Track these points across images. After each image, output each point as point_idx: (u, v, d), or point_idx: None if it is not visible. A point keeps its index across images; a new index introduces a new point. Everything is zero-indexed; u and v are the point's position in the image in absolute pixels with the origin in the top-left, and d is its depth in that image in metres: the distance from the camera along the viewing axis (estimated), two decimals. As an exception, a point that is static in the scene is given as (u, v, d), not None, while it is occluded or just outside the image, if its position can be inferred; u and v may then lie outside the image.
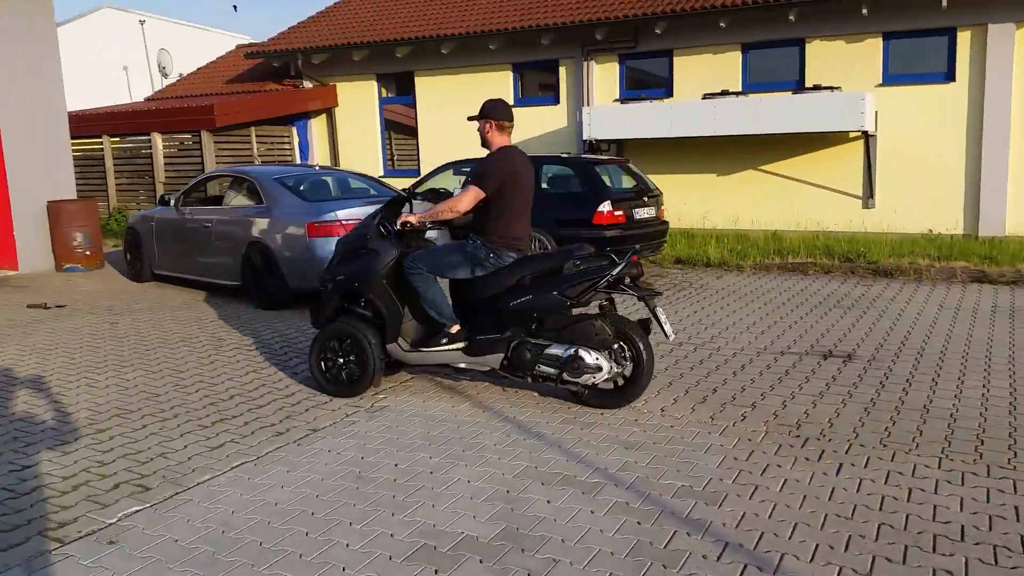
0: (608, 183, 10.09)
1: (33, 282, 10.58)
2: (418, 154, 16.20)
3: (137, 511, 3.70)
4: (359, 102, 16.70)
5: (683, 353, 6.30)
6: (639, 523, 3.48)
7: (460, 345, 5.12)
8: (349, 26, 16.86)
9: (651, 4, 13.46)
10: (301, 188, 8.90)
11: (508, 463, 4.15)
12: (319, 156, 17.29)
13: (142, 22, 25.19)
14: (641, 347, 4.88)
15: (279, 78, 17.63)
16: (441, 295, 5.17)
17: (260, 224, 8.38)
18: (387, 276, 5.20)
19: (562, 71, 14.72)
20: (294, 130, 17.08)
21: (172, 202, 9.77)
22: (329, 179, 9.69)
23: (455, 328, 5.13)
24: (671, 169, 13.63)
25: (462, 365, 5.20)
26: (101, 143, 16.90)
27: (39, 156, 11.49)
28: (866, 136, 12.10)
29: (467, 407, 5.07)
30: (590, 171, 9.92)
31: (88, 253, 11.48)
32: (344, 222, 8.02)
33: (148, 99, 20.20)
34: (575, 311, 5.08)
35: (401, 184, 11.80)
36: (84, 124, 16.92)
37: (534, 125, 14.81)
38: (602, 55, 14.25)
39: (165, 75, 21.95)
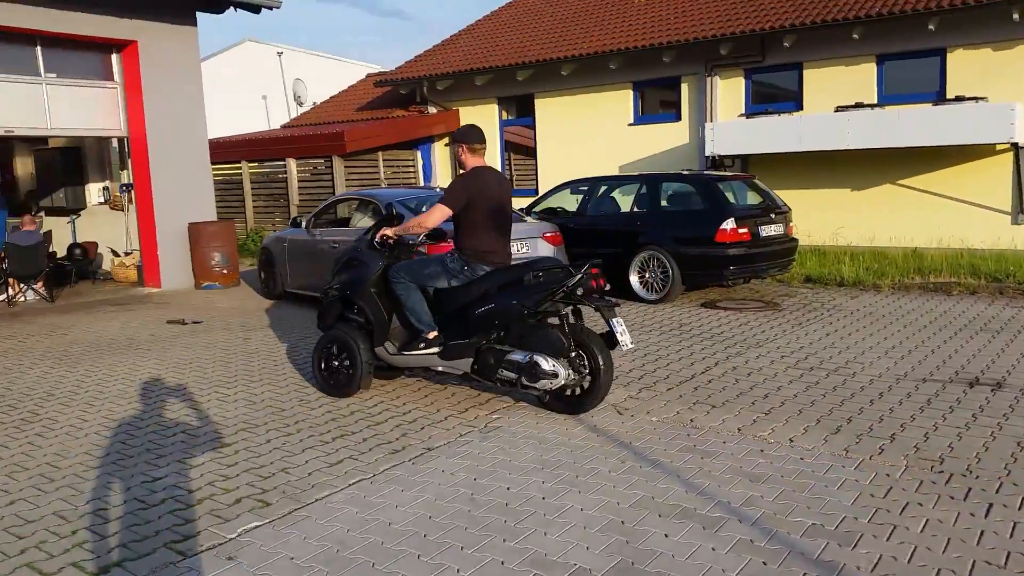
0: (732, 200, 9.74)
1: (174, 299, 11.24)
2: (536, 174, 16.27)
3: (256, 527, 3.77)
4: (480, 125, 16.87)
5: (814, 379, 5.94)
6: (764, 563, 3.25)
7: (436, 350, 5.51)
8: (471, 52, 17.19)
9: (778, 17, 13.01)
10: (422, 211, 9.04)
11: (623, 492, 3.99)
12: (441, 179, 17.65)
13: (280, 54, 26.63)
14: (599, 358, 5.10)
15: (406, 104, 18.17)
16: (420, 303, 5.57)
17: (382, 244, 8.57)
18: (375, 285, 5.70)
19: (684, 87, 14.44)
20: (418, 154, 17.51)
21: (303, 224, 10.17)
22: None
23: (432, 334, 5.52)
24: (800, 185, 13.07)
25: (440, 368, 5.58)
26: (240, 168, 17.89)
27: (182, 181, 12.24)
28: (1016, 148, 11.20)
29: (581, 431, 4.95)
30: (712, 187, 9.61)
31: (225, 272, 12.11)
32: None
33: (284, 126, 21.26)
34: (551, 319, 5.29)
35: (519, 204, 11.84)
36: (225, 150, 17.97)
37: (654, 143, 14.58)
38: (726, 70, 13.88)
39: (300, 103, 23.06)
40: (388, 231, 5.76)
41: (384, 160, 16.91)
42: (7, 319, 9.97)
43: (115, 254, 13.36)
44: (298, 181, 16.85)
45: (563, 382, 5.06)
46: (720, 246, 9.09)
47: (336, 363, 5.87)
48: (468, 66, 16.30)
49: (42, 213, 14.03)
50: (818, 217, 12.86)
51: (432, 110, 17.47)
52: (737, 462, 4.34)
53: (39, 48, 11.17)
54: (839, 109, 12.29)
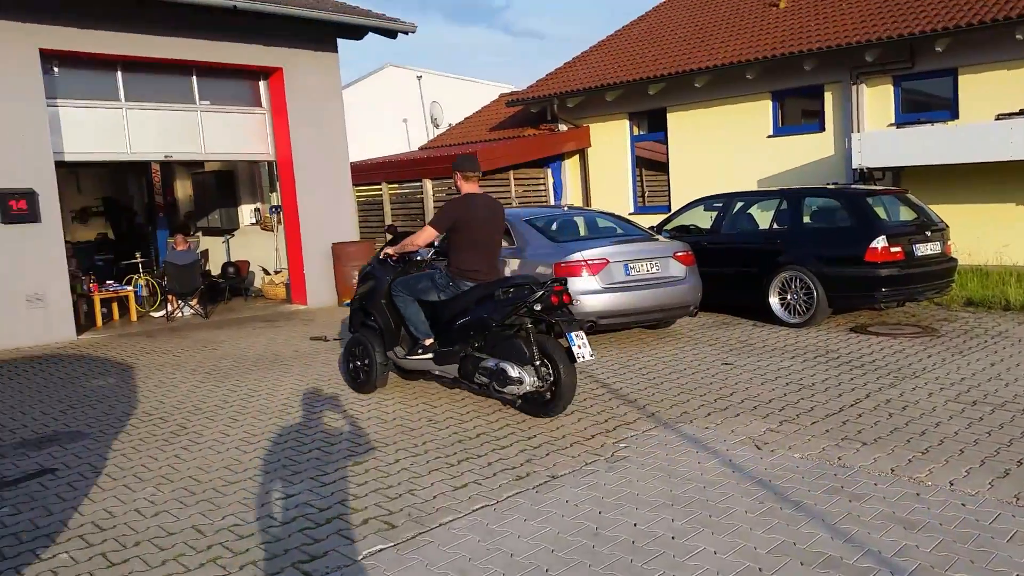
0: (883, 216, 9.12)
1: (318, 315, 11.70)
2: (669, 190, 15.91)
3: (381, 550, 3.77)
4: (611, 141, 16.80)
5: (978, 414, 5.41)
6: (921, 624, 2.92)
7: (430, 356, 6.21)
8: (602, 68, 17.08)
9: (930, 20, 12.16)
10: (550, 229, 9.00)
11: (761, 535, 3.72)
12: (571, 196, 17.60)
13: (419, 77, 27.45)
14: (560, 367, 5.56)
15: (536, 123, 18.27)
16: (417, 314, 6.24)
17: (512, 264, 8.56)
18: (384, 297, 6.43)
19: (827, 96, 13.74)
20: (548, 172, 17.54)
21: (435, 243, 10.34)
22: (578, 219, 9.74)
23: (428, 341, 6.22)
24: (959, 199, 12.10)
25: (437, 372, 6.27)
26: (380, 189, 18.52)
27: (326, 202, 12.77)
28: None
29: (715, 465, 4.69)
30: (861, 203, 9.03)
31: (362, 290, 12.50)
32: (590, 262, 7.96)
33: (421, 148, 21.88)
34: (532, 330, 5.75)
35: (650, 221, 11.59)
36: (367, 172, 18.66)
37: (795, 155, 13.93)
38: (874, 77, 13.10)
39: (436, 125, 23.67)
40: (389, 250, 6.55)
41: (515, 179, 17.05)
42: (166, 334, 10.68)
43: (265, 272, 14.09)
44: (434, 201, 17.24)
45: (528, 388, 5.59)
46: (871, 266, 8.51)
47: (359, 363, 6.69)
48: (598, 82, 16.19)
49: (199, 233, 15.03)
50: (979, 234, 11.86)
51: (563, 128, 17.47)
52: (890, 507, 3.97)
53: (195, 78, 11.97)
54: (1001, 117, 11.31)
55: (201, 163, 15.22)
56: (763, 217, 10.05)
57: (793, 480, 4.40)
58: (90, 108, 10.97)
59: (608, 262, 8.08)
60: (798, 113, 14.64)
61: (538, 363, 5.62)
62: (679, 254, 8.58)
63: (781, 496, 4.18)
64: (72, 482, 4.93)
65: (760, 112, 14.58)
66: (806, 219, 9.50)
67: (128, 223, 17.89)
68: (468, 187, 6.18)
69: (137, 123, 11.38)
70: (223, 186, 14.97)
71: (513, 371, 5.59)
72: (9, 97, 9.81)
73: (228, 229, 14.94)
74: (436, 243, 6.48)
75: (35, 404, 7.01)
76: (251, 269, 14.36)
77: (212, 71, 12.04)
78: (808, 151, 13.87)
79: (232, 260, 13.95)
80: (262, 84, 12.69)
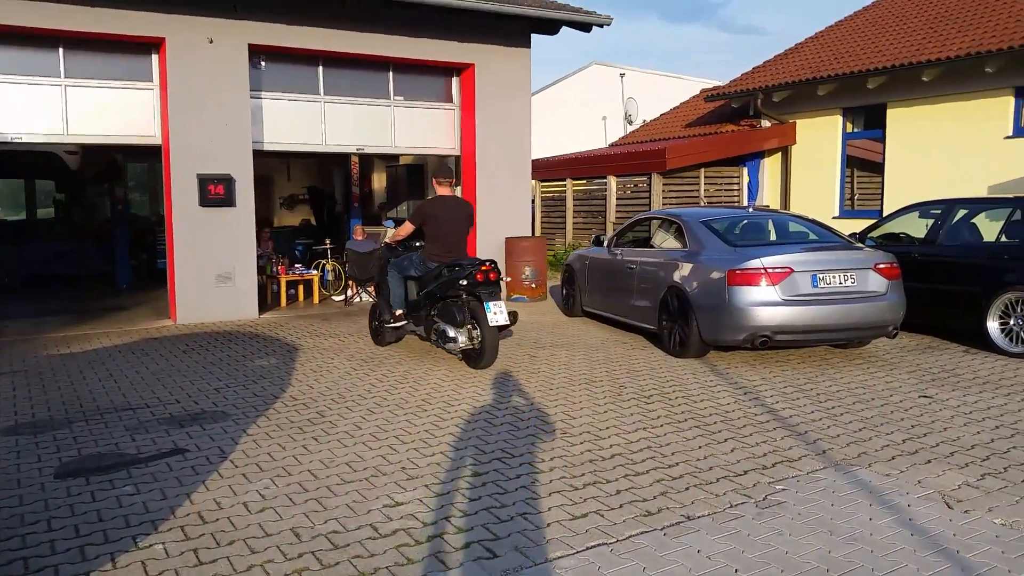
0: None
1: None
2: (882, 194, 14.27)
3: (470, 582, 3.34)
4: (819, 139, 15.36)
5: None
6: None
7: (403, 322, 8.10)
8: (815, 60, 15.66)
9: None
10: (729, 232, 8.19)
11: (936, 630, 2.90)
12: (768, 197, 16.32)
13: (622, 75, 26.91)
14: (483, 329, 7.16)
15: (736, 119, 17.15)
16: (396, 290, 8.05)
17: (681, 268, 7.86)
18: (385, 274, 8.26)
19: (1086, 91, 11.65)
20: (744, 170, 16.38)
21: (605, 243, 9.82)
22: (765, 222, 8.81)
23: (398, 312, 8.07)
24: None
25: (411, 329, 8.19)
26: (565, 185, 18.21)
27: (504, 196, 12.59)
28: None
29: (891, 523, 3.82)
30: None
31: (534, 286, 12.20)
32: (770, 270, 7.09)
33: (612, 145, 21.32)
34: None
35: (855, 226, 10.31)
36: (552, 169, 18.44)
37: (1042, 159, 11.96)
38: None
39: (630, 122, 23.02)
40: (387, 238, 8.59)
41: (706, 178, 16.07)
42: (340, 317, 10.94)
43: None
44: (616, 198, 16.66)
45: (462, 346, 7.35)
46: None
47: (375, 323, 8.66)
48: (810, 75, 14.83)
49: (390, 224, 15.37)
50: None
51: (765, 124, 16.23)
52: None
53: (391, 73, 12.18)
54: None
55: (396, 156, 15.62)
56: (990, 228, 8.59)
57: (990, 554, 3.46)
58: (291, 101, 11.44)
59: (792, 271, 7.15)
60: (1046, 111, 12.58)
61: (469, 326, 7.30)
62: (881, 266, 7.46)
63: (971, 570, 3.29)
64: (197, 465, 4.92)
65: (998, 110, 12.67)
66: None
67: (329, 211, 18.84)
68: (441, 190, 7.94)
69: (334, 116, 11.75)
70: (413, 179, 15.27)
71: (451, 332, 7.36)
72: (217, 89, 10.41)
73: (415, 220, 15.21)
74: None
75: (198, 379, 7.27)
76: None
77: (408, 67, 12.20)
78: (1058, 154, 11.86)
79: (413, 250, 14.15)
80: (454, 80, 12.71)
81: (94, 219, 17.18)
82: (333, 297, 12.96)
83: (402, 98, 12.32)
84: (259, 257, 13.10)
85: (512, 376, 7.14)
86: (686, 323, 7.64)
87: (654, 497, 4.23)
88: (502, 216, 12.58)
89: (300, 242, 16.80)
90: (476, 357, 7.33)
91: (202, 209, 10.47)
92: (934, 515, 3.90)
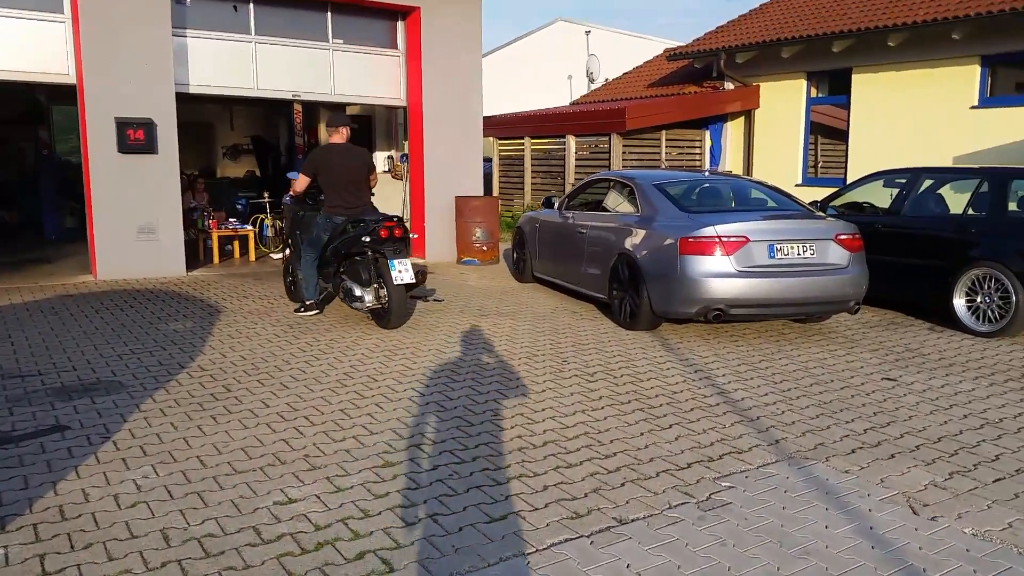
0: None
1: (433, 272, 10.93)
2: (846, 161, 13.89)
3: (356, 605, 2.81)
4: (783, 103, 14.88)
5: None
6: None
7: (315, 311, 7.79)
8: (780, 22, 15.11)
9: None
10: (684, 197, 7.67)
11: None
12: (731, 162, 15.86)
13: (587, 32, 26.12)
14: (389, 288, 6.98)
15: (700, 80, 16.58)
16: (310, 277, 7.70)
17: (632, 234, 7.33)
18: (296, 227, 8.09)
19: (1056, 60, 11.29)
20: (707, 134, 15.88)
21: (556, 205, 9.25)
22: (724, 188, 8.31)
23: (309, 302, 7.76)
24: None
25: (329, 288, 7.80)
26: (523, 144, 17.53)
27: (454, 153, 11.93)
28: None
29: (849, 532, 3.36)
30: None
31: (484, 248, 11.62)
32: (725, 239, 6.59)
33: (572, 104, 20.64)
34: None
35: (819, 194, 9.87)
36: (510, 126, 17.72)
37: (1005, 131, 11.62)
38: (1123, 37, 10.56)
39: (592, 80, 22.34)
40: (288, 194, 8.31)
41: (668, 140, 15.53)
42: (274, 277, 10.21)
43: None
44: (575, 159, 16.05)
45: (369, 305, 7.15)
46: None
47: (290, 279, 8.54)
48: (774, 36, 14.29)
49: (295, 174, 14.55)
50: None
51: (729, 86, 15.69)
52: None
53: (329, 14, 11.36)
54: None
55: (342, 106, 14.79)
56: (957, 200, 8.19)
57: (960, 571, 3.03)
58: (218, 40, 10.59)
59: (748, 241, 6.66)
60: (1012, 83, 12.24)
61: (376, 285, 7.11)
62: (842, 236, 7.01)
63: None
64: (75, 447, 4.30)
65: (965, 79, 12.27)
66: (1012, 206, 7.59)
67: (274, 163, 17.93)
68: (333, 138, 7.57)
69: (267, 58, 10.93)
70: (360, 131, 14.41)
71: (357, 291, 7.17)
72: (135, 25, 9.53)
73: (361, 176, 14.45)
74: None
75: (103, 343, 6.60)
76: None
77: (348, 8, 11.39)
78: (1022, 127, 11.52)
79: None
80: (399, 24, 11.92)
81: (19, 165, 16.10)
82: (272, 255, 12.25)
83: (342, 41, 11.52)
84: (192, 210, 12.31)
85: (448, 348, 6.59)
86: (637, 293, 7.13)
87: (585, 495, 3.72)
88: (451, 174, 11.93)
89: (243, 195, 15.94)
90: (383, 316, 7.18)
91: (121, 156, 9.65)
92: (898, 522, 3.46)
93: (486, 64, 24.66)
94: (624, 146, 15.12)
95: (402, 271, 6.97)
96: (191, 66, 10.33)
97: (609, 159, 15.21)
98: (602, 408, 5.01)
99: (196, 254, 11.70)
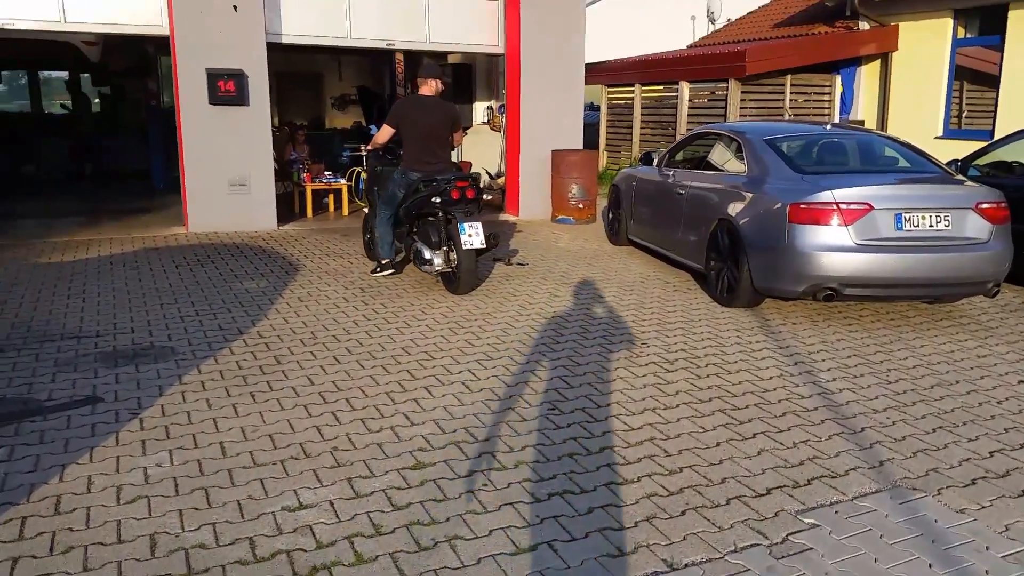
0: None
1: (525, 230, 10.40)
2: (995, 112, 12.26)
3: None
4: (924, 45, 13.26)
5: None
6: None
7: (390, 271, 7.47)
8: (929, -51, 13.41)
9: None
10: (800, 155, 6.76)
11: None
12: (864, 111, 14.39)
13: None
14: (460, 252, 6.59)
15: (831, 20, 15.06)
16: (385, 235, 7.35)
17: (734, 197, 6.52)
18: (371, 181, 7.92)
19: None
20: (837, 79, 14.44)
21: (656, 161, 8.47)
22: (848, 144, 7.30)
23: (385, 261, 7.43)
24: None
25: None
26: (632, 92, 16.55)
27: (552, 104, 11.22)
28: None
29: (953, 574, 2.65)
30: None
31: (581, 206, 10.96)
32: (844, 206, 5.72)
33: (689, 47, 19.35)
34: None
35: (962, 150, 8.62)
36: (619, 73, 16.77)
37: None
38: None
39: (712, 21, 20.85)
40: (365, 147, 8.36)
41: (793, 86, 14.23)
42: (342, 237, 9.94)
43: (488, 175, 13.01)
44: (689, 108, 14.98)
45: (439, 268, 6.77)
46: None
47: (368, 236, 8.30)
48: (920, -32, 12.69)
49: (375, 128, 14.15)
50: None
51: (864, 26, 14.15)
52: None
53: (426, -43, 10.79)
54: None
55: (444, 55, 14.28)
56: None
57: None
58: (312, -13, 10.22)
59: (871, 208, 5.75)
60: None
61: (446, 248, 6.75)
62: (984, 206, 5.97)
63: None
64: (99, 423, 4.08)
65: None
66: None
67: (379, 114, 17.73)
68: (423, 90, 7.12)
69: (360, 6, 10.48)
70: (461, 81, 13.91)
71: (426, 253, 6.79)
72: (224, -30, 9.29)
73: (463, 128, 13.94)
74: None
75: (170, 303, 6.47)
76: (475, 171, 13.33)
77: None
78: None
79: (457, 160, 12.98)
80: (498, -36, 11.22)
81: (134, 115, 16.56)
82: (365, 209, 11.99)
83: (440, -14, 10.93)
84: (292, 162, 12.22)
85: (518, 322, 6.07)
86: (736, 265, 6.36)
87: (635, 524, 3.15)
88: (549, 126, 11.25)
89: (349, 146, 15.84)
90: (453, 281, 6.82)
91: (212, 108, 9.52)
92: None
93: (602, 8, 23.55)
94: (743, 93, 13.96)
95: (472, 235, 6.56)
96: (284, 16, 10.03)
97: (726, 108, 14.09)
98: (677, 407, 4.38)
99: (292, 207, 11.59)
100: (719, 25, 20.40)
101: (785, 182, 6.20)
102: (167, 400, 4.41)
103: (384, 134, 7.13)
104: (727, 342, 5.57)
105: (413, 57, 15.35)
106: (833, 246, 5.74)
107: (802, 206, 5.80)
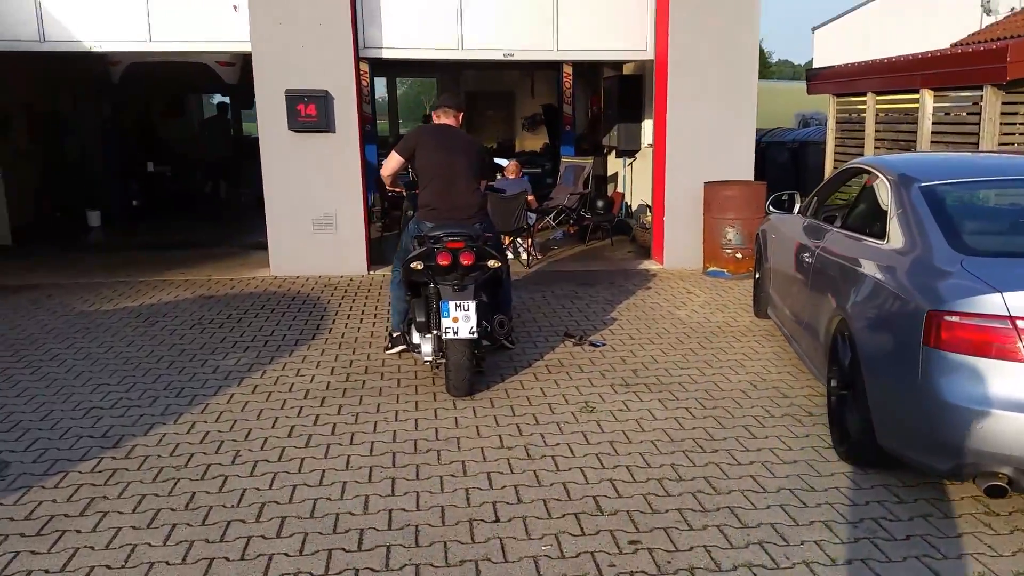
0: None
1: (660, 284, 8.15)
2: None
3: None
4: None
5: None
6: None
7: (400, 346, 5.76)
8: None
9: None
10: (977, 216, 4.02)
11: None
12: None
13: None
14: (445, 341, 5.03)
15: None
16: (398, 302, 5.65)
17: (856, 280, 3.94)
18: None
19: None
20: None
21: (799, 207, 5.89)
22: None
23: (396, 334, 5.80)
24: None
25: None
26: (864, 102, 13.28)
27: (709, 123, 8.79)
28: None
29: None
30: None
31: (739, 256, 8.40)
32: (1019, 316, 3.02)
33: (953, 45, 15.44)
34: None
35: None
36: (849, 80, 13.57)
37: None
38: None
39: (987, 12, 16.61)
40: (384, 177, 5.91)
41: (1084, 94, 10.32)
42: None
43: (649, 210, 10.79)
44: (932, 123, 11.54)
45: (427, 357, 5.04)
46: None
47: None
48: None
49: (590, 158, 12.15)
50: None
51: None
52: None
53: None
54: None
55: (617, 65, 12.24)
56: None
57: None
58: (416, -9, 8.80)
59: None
60: None
61: (437, 332, 4.95)
62: None
63: None
64: None
65: None
66: None
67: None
68: (441, 120, 5.58)
69: (474, 9, 8.87)
70: (627, 94, 11.71)
71: (416, 338, 5.21)
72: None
73: (628, 151, 11.78)
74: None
75: (113, 384, 5.24)
76: (630, 203, 11.13)
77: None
78: None
79: (605, 191, 10.90)
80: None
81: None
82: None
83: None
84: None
85: (510, 454, 4.03)
86: (856, 398, 3.79)
87: None
88: (705, 150, 8.83)
89: (526, 172, 14.37)
90: (445, 375, 5.02)
91: (292, 135, 8.40)
92: None
93: (865, 9, 20.06)
94: (1003, 104, 10.35)
95: (459, 319, 4.72)
96: (384, 25, 8.70)
97: (979, 123, 10.56)
98: None
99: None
100: (999, 16, 16.18)
101: (931, 266, 3.53)
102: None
103: (391, 164, 5.54)
104: (812, 557, 3.09)
105: (589, 67, 13.50)
106: (1008, 400, 3.04)
107: (949, 318, 3.15)
